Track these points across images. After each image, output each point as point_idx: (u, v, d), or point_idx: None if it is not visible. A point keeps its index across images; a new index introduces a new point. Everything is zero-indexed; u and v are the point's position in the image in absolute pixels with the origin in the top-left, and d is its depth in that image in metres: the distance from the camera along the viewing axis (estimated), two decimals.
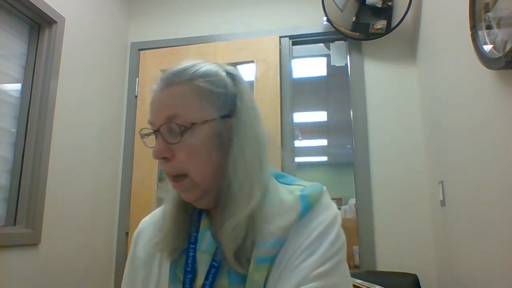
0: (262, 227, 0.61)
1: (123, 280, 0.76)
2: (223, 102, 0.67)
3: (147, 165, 2.24)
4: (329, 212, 0.63)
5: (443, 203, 1.66)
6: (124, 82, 2.42)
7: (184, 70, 0.67)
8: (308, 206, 0.63)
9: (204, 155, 0.65)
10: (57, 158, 1.76)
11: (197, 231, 0.68)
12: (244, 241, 0.61)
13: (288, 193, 0.65)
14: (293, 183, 0.69)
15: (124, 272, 0.76)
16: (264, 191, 0.64)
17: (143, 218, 0.81)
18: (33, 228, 1.62)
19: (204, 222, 0.69)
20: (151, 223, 0.77)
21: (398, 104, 2.08)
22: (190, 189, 0.65)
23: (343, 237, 0.63)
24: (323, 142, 7.84)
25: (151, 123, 0.66)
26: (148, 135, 0.68)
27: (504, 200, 1.06)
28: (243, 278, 0.61)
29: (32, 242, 1.63)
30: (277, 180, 0.69)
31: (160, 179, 2.14)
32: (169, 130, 0.64)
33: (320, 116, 5.94)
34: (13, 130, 1.68)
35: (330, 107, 5.52)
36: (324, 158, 9.49)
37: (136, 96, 2.38)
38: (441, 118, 1.66)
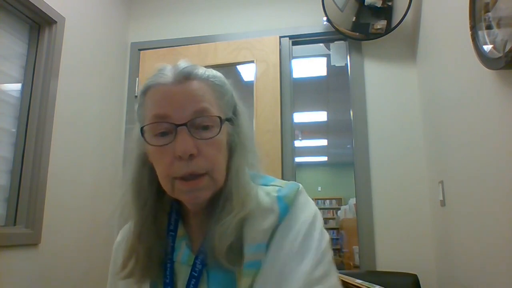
0: (244, 231, 0.61)
1: None
2: (229, 104, 0.67)
3: None
4: (308, 212, 0.64)
5: (443, 203, 1.66)
6: (124, 82, 2.42)
7: (196, 67, 0.65)
8: (286, 207, 0.63)
9: (224, 153, 0.64)
10: (57, 158, 1.76)
11: (174, 241, 0.67)
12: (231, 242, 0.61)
13: (265, 195, 0.65)
14: (269, 184, 0.68)
15: (107, 283, 0.75)
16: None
17: None
18: (33, 228, 1.62)
19: (180, 232, 0.67)
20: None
21: (398, 104, 2.08)
22: (206, 187, 0.62)
23: (326, 234, 0.63)
24: (323, 142, 7.84)
25: (168, 116, 0.60)
26: (166, 133, 0.60)
27: (504, 200, 1.06)
28: (222, 284, 0.61)
29: (32, 242, 1.62)
30: (253, 181, 0.67)
31: None
32: (197, 125, 0.60)
33: (320, 116, 5.94)
34: (13, 130, 1.68)
35: (330, 107, 5.52)
36: (324, 158, 9.50)
37: (136, 96, 2.38)
38: (441, 118, 1.66)
